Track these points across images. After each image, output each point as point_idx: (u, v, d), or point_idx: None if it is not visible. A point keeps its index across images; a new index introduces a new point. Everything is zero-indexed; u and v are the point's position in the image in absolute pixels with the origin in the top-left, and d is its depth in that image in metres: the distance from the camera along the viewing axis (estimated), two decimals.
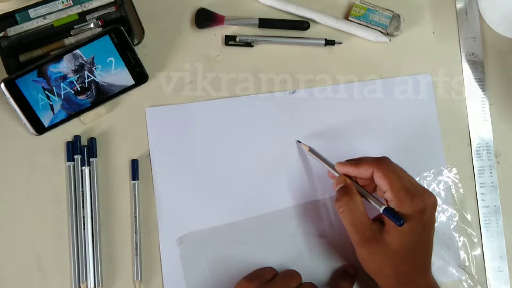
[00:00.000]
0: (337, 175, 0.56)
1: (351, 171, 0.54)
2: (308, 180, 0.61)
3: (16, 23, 0.60)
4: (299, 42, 0.63)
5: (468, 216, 0.61)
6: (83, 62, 0.59)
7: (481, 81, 0.64)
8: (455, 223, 0.61)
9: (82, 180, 0.60)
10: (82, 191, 0.60)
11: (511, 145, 0.63)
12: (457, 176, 0.62)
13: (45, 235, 0.60)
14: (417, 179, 0.61)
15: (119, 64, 0.60)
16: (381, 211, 0.51)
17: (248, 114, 0.62)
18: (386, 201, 0.52)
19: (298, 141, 0.61)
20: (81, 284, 0.59)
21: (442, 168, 0.62)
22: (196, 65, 0.63)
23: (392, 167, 0.52)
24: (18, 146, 0.61)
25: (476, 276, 0.60)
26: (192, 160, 0.61)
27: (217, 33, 0.63)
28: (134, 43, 0.61)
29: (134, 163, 0.61)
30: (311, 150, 0.60)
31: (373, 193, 0.55)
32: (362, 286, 0.59)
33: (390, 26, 0.63)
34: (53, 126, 0.60)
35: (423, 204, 0.50)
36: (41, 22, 0.60)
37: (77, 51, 0.59)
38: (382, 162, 0.52)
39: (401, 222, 0.49)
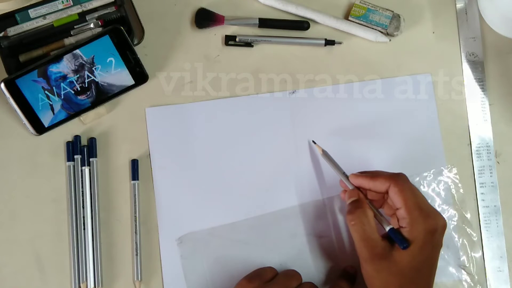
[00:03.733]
0: (347, 184, 0.55)
1: (366, 184, 0.54)
2: (308, 180, 0.61)
3: (16, 23, 0.60)
4: (299, 42, 0.63)
5: (468, 216, 0.61)
6: (83, 62, 0.59)
7: (481, 81, 0.64)
8: (455, 223, 0.61)
9: (82, 180, 0.60)
10: (82, 191, 0.60)
11: (511, 145, 0.63)
12: (457, 176, 0.62)
13: (45, 235, 0.60)
14: (417, 179, 0.61)
15: (119, 64, 0.60)
16: (387, 230, 0.51)
17: (248, 114, 0.62)
18: (398, 219, 0.52)
19: (313, 141, 0.61)
20: (81, 284, 0.59)
21: (442, 168, 0.62)
22: (196, 65, 0.63)
23: (409, 184, 0.52)
24: (18, 146, 0.61)
25: (476, 276, 0.60)
26: (192, 160, 0.61)
27: (217, 33, 0.63)
28: (134, 43, 0.61)
29: (134, 163, 0.61)
30: (325, 153, 0.59)
31: (379, 209, 0.55)
32: (362, 286, 0.59)
33: (390, 26, 0.63)
34: (53, 126, 0.60)
35: (435, 225, 0.50)
36: (41, 22, 0.60)
37: (77, 51, 0.59)
38: (399, 178, 0.52)
39: (404, 246, 0.50)
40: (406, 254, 0.50)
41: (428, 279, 0.52)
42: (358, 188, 0.55)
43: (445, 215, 0.61)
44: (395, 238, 0.51)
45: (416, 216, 0.50)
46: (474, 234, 0.61)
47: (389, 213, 0.55)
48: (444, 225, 0.52)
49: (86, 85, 0.60)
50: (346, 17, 0.64)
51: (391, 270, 0.51)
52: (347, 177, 0.56)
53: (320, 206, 0.61)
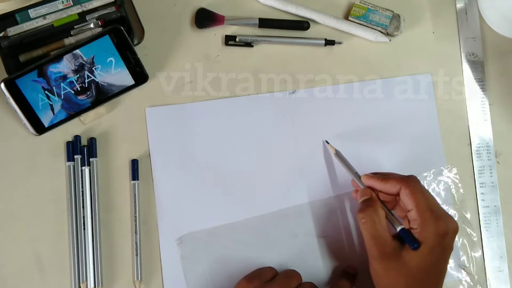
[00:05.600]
0: (359, 184, 0.55)
1: (378, 185, 0.54)
2: (308, 180, 0.61)
3: (16, 23, 0.60)
4: (299, 42, 0.63)
5: (468, 216, 0.61)
6: (83, 62, 0.59)
7: (481, 81, 0.64)
8: None
9: (82, 180, 0.60)
10: (82, 191, 0.60)
11: (511, 145, 0.63)
12: (457, 176, 0.62)
13: (45, 235, 0.60)
14: None
15: (119, 64, 0.60)
16: (398, 230, 0.51)
17: (248, 114, 0.62)
18: (409, 220, 0.52)
19: (326, 141, 0.61)
20: (81, 284, 0.59)
21: (442, 168, 0.62)
22: (196, 65, 0.63)
23: (420, 186, 0.52)
24: (18, 146, 0.61)
25: (476, 276, 0.60)
26: (192, 160, 0.61)
27: (217, 33, 0.63)
28: (134, 43, 0.61)
29: (134, 163, 0.61)
30: (337, 153, 0.59)
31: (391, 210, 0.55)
32: (362, 286, 0.59)
33: (390, 26, 0.63)
34: (53, 126, 0.60)
35: (446, 227, 0.50)
36: (41, 22, 0.60)
37: (77, 51, 0.59)
38: (410, 180, 0.52)
39: (415, 246, 0.50)
40: (416, 255, 0.50)
41: (437, 282, 0.52)
42: (371, 189, 0.55)
43: None
44: (405, 238, 0.50)
45: (427, 218, 0.50)
46: (474, 234, 0.61)
47: (401, 215, 0.55)
48: (455, 229, 0.52)
49: (86, 85, 0.60)
50: (346, 17, 0.64)
51: (400, 270, 0.51)
52: (359, 177, 0.56)
53: (320, 206, 0.61)
